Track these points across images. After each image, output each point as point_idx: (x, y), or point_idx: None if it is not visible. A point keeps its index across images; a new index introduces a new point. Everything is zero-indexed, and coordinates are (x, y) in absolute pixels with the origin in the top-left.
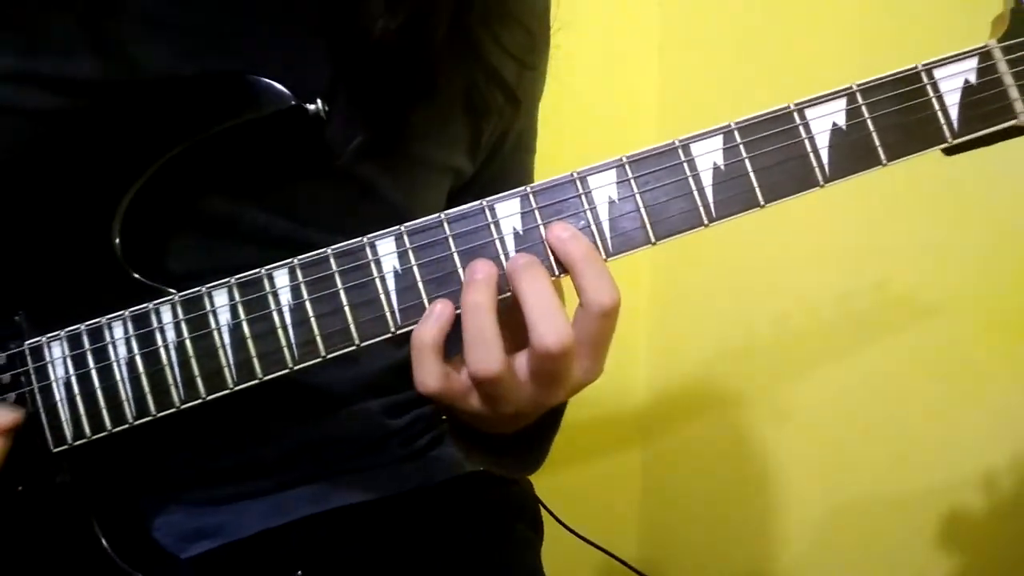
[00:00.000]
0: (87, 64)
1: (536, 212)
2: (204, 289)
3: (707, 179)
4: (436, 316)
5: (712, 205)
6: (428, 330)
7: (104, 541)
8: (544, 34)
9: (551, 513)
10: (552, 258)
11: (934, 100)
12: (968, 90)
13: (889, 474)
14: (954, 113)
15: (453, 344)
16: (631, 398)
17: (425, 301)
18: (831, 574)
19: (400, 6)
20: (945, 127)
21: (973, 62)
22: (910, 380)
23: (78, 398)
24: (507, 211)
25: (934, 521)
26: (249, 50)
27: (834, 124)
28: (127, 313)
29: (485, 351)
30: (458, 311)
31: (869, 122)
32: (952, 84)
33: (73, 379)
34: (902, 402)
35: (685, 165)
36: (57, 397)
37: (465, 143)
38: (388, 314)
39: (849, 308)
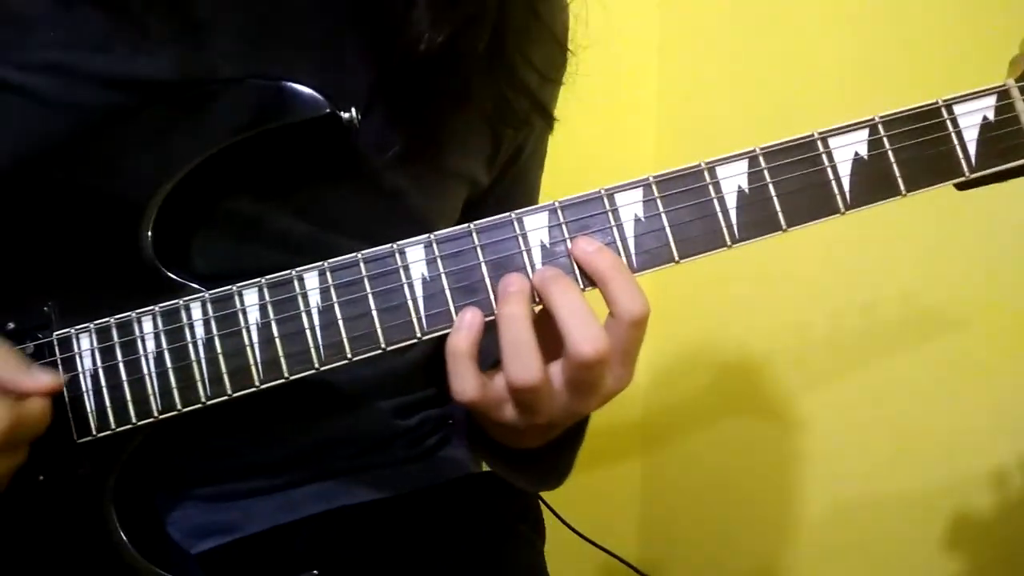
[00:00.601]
0: (128, 64)
1: (564, 226)
2: (235, 288)
3: (731, 202)
4: (468, 325)
5: (736, 227)
6: (462, 339)
7: (122, 533)
8: (565, 47)
9: (554, 512)
10: (578, 272)
11: (953, 135)
12: (986, 127)
13: (892, 475)
14: (972, 148)
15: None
16: (633, 400)
17: (452, 309)
18: None
19: (446, 20)
20: (963, 161)
21: (992, 100)
22: (914, 383)
23: (104, 390)
24: (535, 224)
25: (940, 524)
26: (293, 54)
27: (856, 154)
28: (157, 308)
29: (523, 361)
30: (487, 318)
31: (890, 153)
32: (971, 120)
33: (100, 371)
34: (904, 404)
35: (710, 187)
36: (83, 388)
37: (485, 154)
38: (415, 320)
39: (852, 312)
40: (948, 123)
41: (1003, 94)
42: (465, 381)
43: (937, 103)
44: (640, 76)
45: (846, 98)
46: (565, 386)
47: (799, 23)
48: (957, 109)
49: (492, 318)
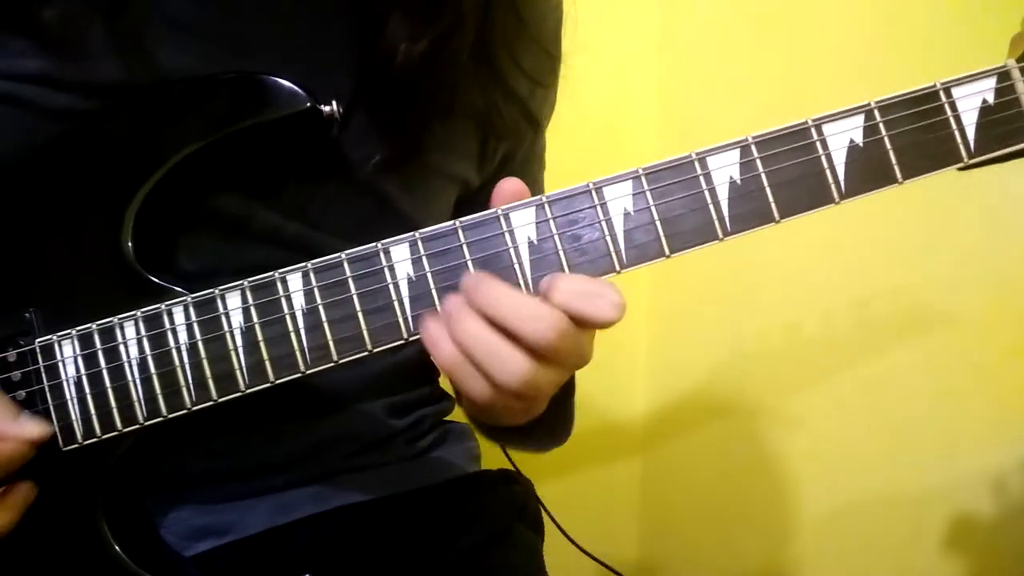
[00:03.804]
0: (111, 67)
1: (551, 222)
2: (217, 291)
3: (723, 193)
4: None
5: (728, 219)
6: (447, 349)
7: (112, 539)
8: (557, 52)
9: (551, 517)
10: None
11: (951, 119)
12: (986, 110)
13: (892, 477)
14: (971, 133)
15: None
16: (631, 406)
17: (439, 309)
18: None
19: (424, 31)
20: (962, 147)
21: (991, 82)
22: (913, 382)
23: (89, 397)
24: (522, 220)
25: (939, 523)
26: (271, 62)
27: (851, 141)
28: (139, 313)
29: (506, 363)
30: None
31: (886, 139)
32: (970, 104)
33: (84, 378)
34: (904, 404)
35: (701, 178)
36: (67, 396)
37: (474, 156)
38: (401, 321)
39: (853, 314)
40: (946, 107)
41: (1003, 75)
42: (475, 389)
43: (935, 86)
44: (641, 74)
45: (849, 95)
46: (551, 364)
47: (800, 19)
48: (956, 92)
49: (415, 336)
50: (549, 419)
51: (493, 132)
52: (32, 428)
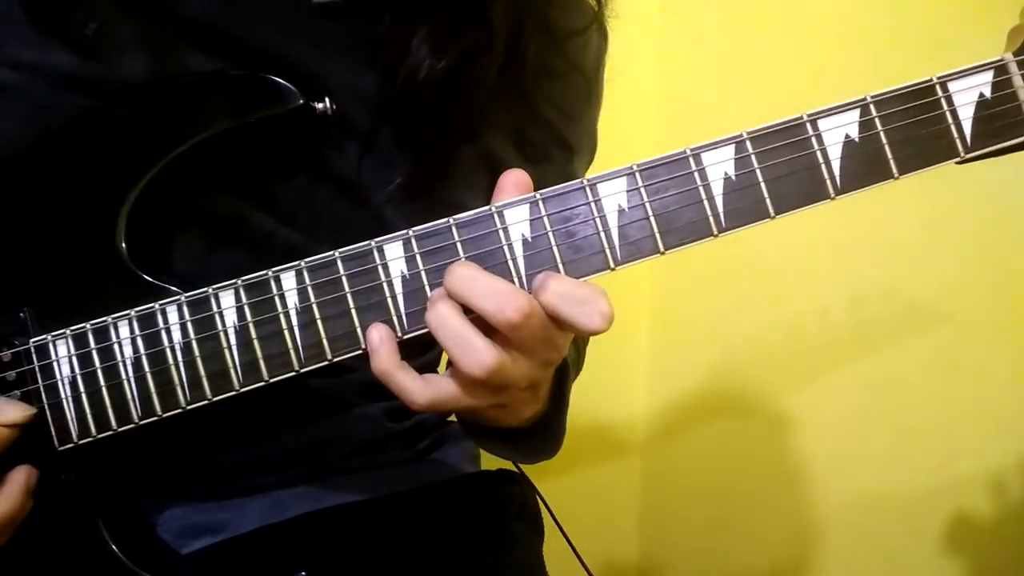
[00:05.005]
0: (134, 67)
1: (545, 219)
2: (211, 290)
3: (718, 188)
4: (379, 342)
5: (722, 215)
6: (383, 360)
7: (108, 538)
8: (596, 80)
9: (554, 518)
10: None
11: (948, 114)
12: (983, 104)
13: (892, 475)
14: (967, 127)
15: None
16: (631, 406)
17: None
18: None
19: (447, 48)
20: (958, 141)
21: (988, 76)
22: (913, 381)
23: (83, 397)
24: (516, 217)
25: (938, 525)
26: (291, 73)
27: (847, 136)
28: (133, 313)
29: (468, 350)
30: (406, 335)
31: (882, 134)
32: (966, 98)
33: (79, 378)
34: (903, 403)
35: (696, 174)
36: (62, 395)
37: (485, 191)
38: (395, 318)
39: (852, 313)
40: (943, 101)
41: (1000, 69)
42: (411, 392)
43: (932, 80)
44: (641, 74)
45: (850, 94)
46: (519, 351)
47: (800, 19)
48: (952, 86)
49: (409, 334)
50: (536, 431)
51: (525, 159)
52: (11, 412)
